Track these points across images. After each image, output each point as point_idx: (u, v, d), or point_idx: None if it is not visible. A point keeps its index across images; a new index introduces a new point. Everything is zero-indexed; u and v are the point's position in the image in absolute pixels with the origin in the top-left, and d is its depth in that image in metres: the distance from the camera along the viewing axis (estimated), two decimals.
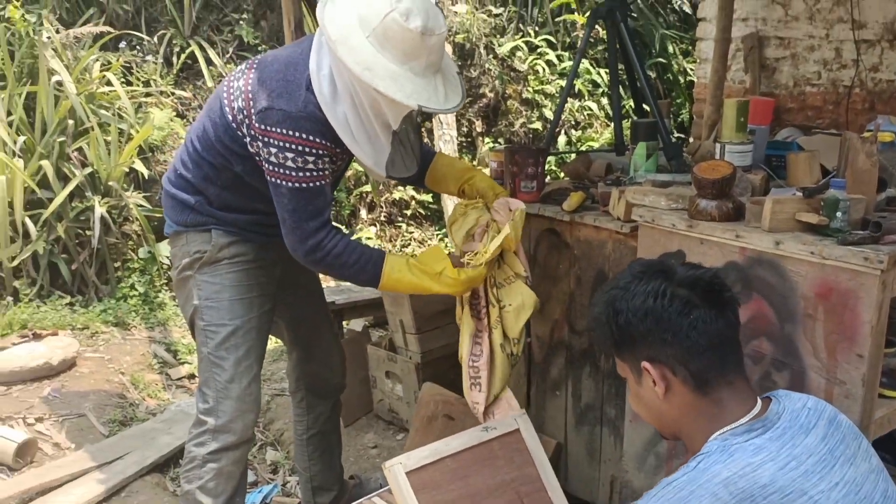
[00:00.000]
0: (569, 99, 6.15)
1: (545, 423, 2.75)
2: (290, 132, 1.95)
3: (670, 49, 6.52)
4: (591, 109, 6.17)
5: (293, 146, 1.97)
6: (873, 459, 1.42)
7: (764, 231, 1.93)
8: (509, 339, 2.28)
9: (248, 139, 2.04)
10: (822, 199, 1.88)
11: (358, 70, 1.88)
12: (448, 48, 5.70)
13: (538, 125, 5.98)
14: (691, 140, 4.97)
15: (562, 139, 6.03)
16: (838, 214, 1.83)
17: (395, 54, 1.90)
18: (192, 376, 3.87)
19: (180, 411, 3.41)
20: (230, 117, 2.07)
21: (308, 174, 2.00)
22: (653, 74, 6.44)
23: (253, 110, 2.00)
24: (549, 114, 5.94)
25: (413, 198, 5.69)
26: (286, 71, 2.02)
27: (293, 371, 2.64)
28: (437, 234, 5.67)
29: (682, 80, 6.58)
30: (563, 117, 6.05)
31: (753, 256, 1.95)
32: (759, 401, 1.44)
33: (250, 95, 2.02)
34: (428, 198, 5.66)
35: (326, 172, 2.04)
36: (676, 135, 6.36)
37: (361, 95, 1.95)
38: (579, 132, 6.14)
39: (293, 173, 1.99)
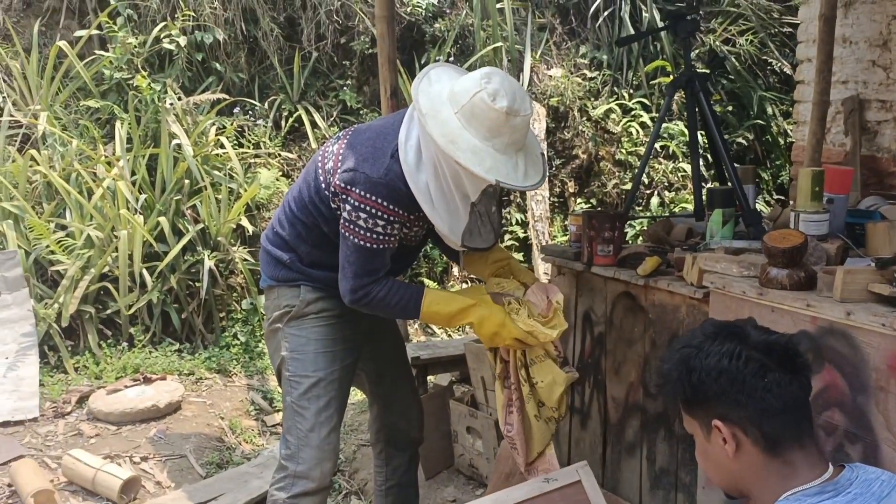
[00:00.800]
0: (663, 161, 6.17)
1: (620, 485, 2.76)
2: (368, 195, 2.12)
3: (769, 110, 6.45)
4: (684, 171, 6.16)
5: (367, 208, 2.13)
6: None
7: (836, 301, 1.94)
8: (547, 407, 2.33)
9: (330, 194, 2.22)
10: None
11: (443, 142, 2.03)
12: (542, 111, 5.86)
13: (630, 186, 6.01)
14: (791, 202, 4.89)
15: (654, 200, 6.04)
16: None
17: (479, 130, 2.04)
18: None
19: (272, 456, 3.58)
20: (321, 178, 2.26)
21: (375, 236, 2.15)
22: (750, 136, 6.37)
23: (339, 169, 2.18)
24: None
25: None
26: (376, 139, 2.20)
27: (373, 423, 2.76)
28: None
29: (781, 142, 6.48)
30: (656, 178, 6.06)
31: (825, 326, 1.95)
32: (832, 467, 1.45)
33: (340, 158, 2.21)
34: (519, 256, 5.76)
35: (394, 238, 2.19)
36: (777, 197, 6.26)
37: (444, 166, 2.09)
38: (672, 193, 6.12)
39: (362, 231, 2.15)
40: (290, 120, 5.72)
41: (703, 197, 3.08)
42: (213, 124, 5.26)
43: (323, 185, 2.25)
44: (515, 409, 2.34)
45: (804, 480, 1.41)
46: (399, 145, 2.14)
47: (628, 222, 5.50)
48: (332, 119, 5.86)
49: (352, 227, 2.16)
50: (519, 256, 5.76)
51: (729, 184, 3.04)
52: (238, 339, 4.73)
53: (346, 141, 2.25)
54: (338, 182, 2.17)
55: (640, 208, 6.04)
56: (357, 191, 2.13)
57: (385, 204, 2.12)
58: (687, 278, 2.40)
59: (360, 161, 2.15)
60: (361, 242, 2.16)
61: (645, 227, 5.42)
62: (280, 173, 5.49)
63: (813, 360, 1.94)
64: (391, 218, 2.15)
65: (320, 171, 2.27)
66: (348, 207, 2.15)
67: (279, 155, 5.59)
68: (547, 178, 5.24)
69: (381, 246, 2.17)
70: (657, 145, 6.12)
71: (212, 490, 3.26)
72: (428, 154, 2.11)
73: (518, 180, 2.08)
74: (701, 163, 4.39)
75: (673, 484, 2.58)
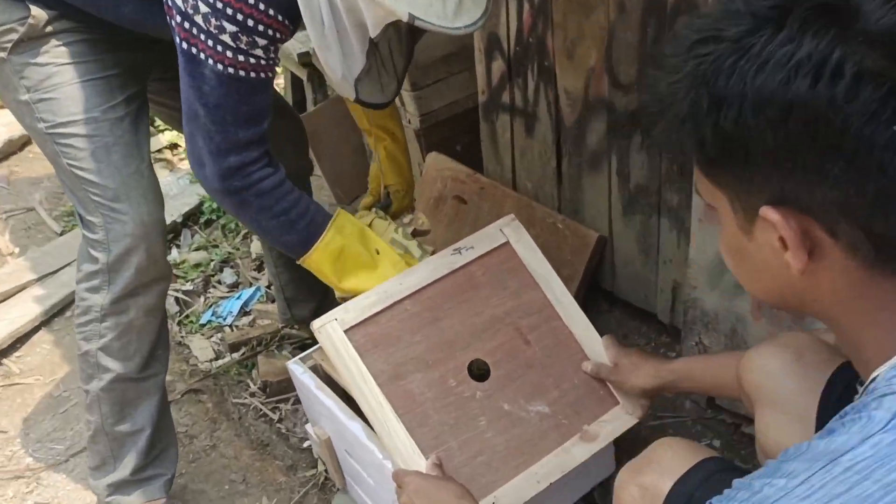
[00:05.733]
0: None
1: (582, 210, 1.99)
2: None
3: None
4: None
5: (241, 15, 1.27)
6: None
7: None
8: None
9: None
10: None
11: None
12: None
13: None
14: None
15: None
16: None
17: None
18: (174, 146, 3.22)
19: None
20: None
21: (253, 61, 1.33)
22: None
23: None
24: None
25: None
26: None
27: None
28: None
29: None
30: None
31: None
32: None
33: None
34: None
35: (275, 64, 1.37)
36: None
37: None
38: None
39: (229, 52, 1.30)
40: None
41: None
42: None
43: None
44: None
45: None
46: None
47: None
48: None
49: (209, 41, 1.29)
50: None
51: None
52: None
53: None
54: None
55: None
56: None
57: (272, 12, 1.29)
58: None
59: None
60: (231, 70, 1.32)
61: None
62: None
63: None
64: (277, 35, 1.32)
65: None
66: (203, 6, 1.27)
67: None
68: None
69: (264, 74, 1.36)
70: None
71: (68, 252, 2.53)
72: None
73: (445, 18, 1.21)
74: None
75: (654, 206, 1.79)
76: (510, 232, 1.56)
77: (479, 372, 1.46)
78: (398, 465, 1.36)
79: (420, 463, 1.35)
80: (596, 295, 2.06)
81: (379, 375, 1.40)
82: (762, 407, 1.08)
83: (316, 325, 1.41)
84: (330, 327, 1.41)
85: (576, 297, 1.97)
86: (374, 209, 1.75)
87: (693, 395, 1.74)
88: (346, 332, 1.41)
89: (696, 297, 1.62)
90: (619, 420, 1.47)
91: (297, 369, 1.63)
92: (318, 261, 1.48)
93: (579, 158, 1.91)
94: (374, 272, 1.51)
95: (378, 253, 1.52)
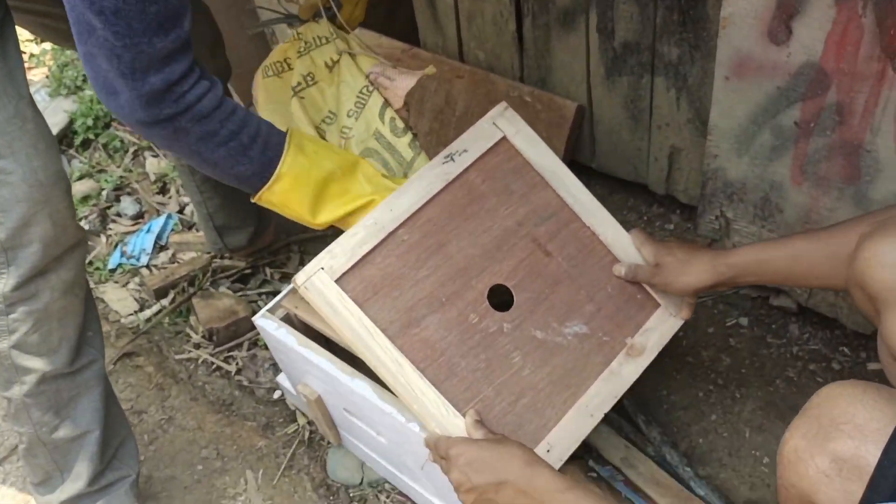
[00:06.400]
0: None
1: (552, 78, 1.71)
2: None
3: None
4: None
5: None
6: None
7: None
8: None
9: None
10: None
11: None
12: None
13: None
14: None
15: None
16: None
17: None
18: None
19: None
20: None
21: None
22: None
23: None
24: None
25: None
26: None
27: None
28: None
29: None
30: None
31: None
32: None
33: None
34: None
35: None
36: None
37: None
38: None
39: None
40: None
41: None
42: None
43: None
44: None
45: None
46: None
47: None
48: None
49: None
50: None
51: None
52: None
53: None
54: None
55: None
56: None
57: None
58: None
59: None
60: None
61: None
62: None
63: None
64: None
65: None
66: None
67: None
68: None
69: None
70: None
71: None
72: None
73: None
74: None
75: (646, 65, 1.54)
76: (505, 124, 1.27)
77: (501, 300, 1.22)
78: (433, 431, 1.12)
79: (458, 424, 1.11)
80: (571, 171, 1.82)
81: (389, 327, 1.13)
82: None
83: (300, 280, 1.11)
84: (318, 280, 1.11)
85: None
86: (317, 17, 1.38)
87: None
88: (337, 282, 1.12)
89: (718, 167, 1.40)
90: (664, 324, 1.27)
91: (269, 325, 1.33)
92: (282, 192, 1.16)
93: (546, 17, 1.61)
94: (351, 196, 1.20)
95: (354, 169, 1.21)
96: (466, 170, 1.23)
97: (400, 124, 1.31)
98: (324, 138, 1.32)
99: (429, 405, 1.12)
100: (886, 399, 0.73)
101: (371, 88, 1.29)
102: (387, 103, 1.32)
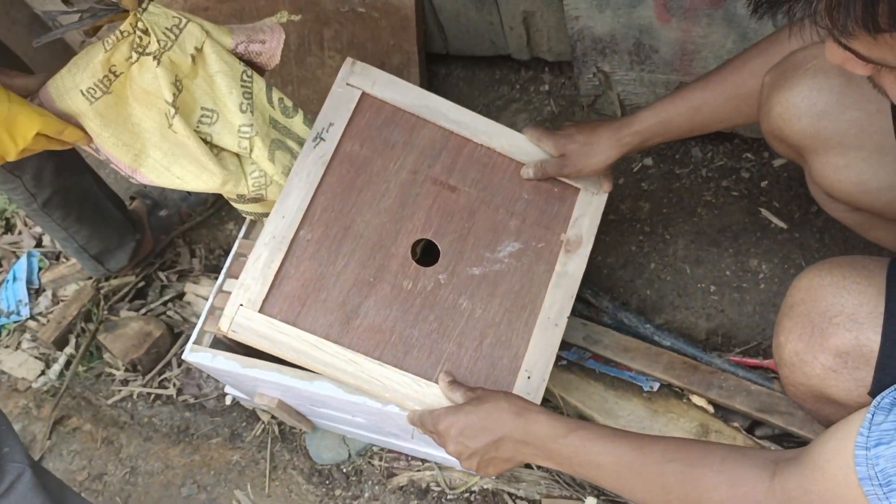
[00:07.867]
0: None
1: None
2: None
3: None
4: None
5: None
6: None
7: None
8: None
9: None
10: None
11: None
12: None
13: None
14: None
15: None
16: None
17: None
18: None
19: None
20: None
21: None
22: None
23: None
24: None
25: None
26: None
27: None
28: None
29: None
30: None
31: None
32: None
33: None
34: None
35: None
36: None
37: None
38: None
39: None
40: None
41: None
42: None
43: None
44: None
45: None
46: None
47: None
48: None
49: None
50: None
51: None
52: None
53: None
54: None
55: None
56: None
57: None
58: None
59: None
60: None
61: None
62: None
63: None
64: None
65: None
66: None
67: None
68: None
69: None
70: None
71: None
72: None
73: None
74: None
75: None
76: (359, 80, 1.16)
77: (428, 254, 1.16)
78: (413, 409, 1.09)
79: (434, 392, 1.09)
80: (427, 64, 1.72)
81: (329, 331, 1.07)
82: (824, 153, 0.88)
83: (224, 325, 1.02)
84: (242, 318, 1.02)
85: (421, 84, 1.65)
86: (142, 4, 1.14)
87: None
88: (261, 311, 1.04)
89: (583, 27, 1.34)
90: (591, 206, 1.24)
91: (203, 358, 1.23)
92: None
93: None
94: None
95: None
96: (340, 143, 1.13)
97: (289, 103, 1.16)
98: (209, 143, 1.13)
99: (399, 388, 1.08)
100: (867, 277, 0.73)
101: (250, 73, 1.10)
102: (270, 85, 1.14)
